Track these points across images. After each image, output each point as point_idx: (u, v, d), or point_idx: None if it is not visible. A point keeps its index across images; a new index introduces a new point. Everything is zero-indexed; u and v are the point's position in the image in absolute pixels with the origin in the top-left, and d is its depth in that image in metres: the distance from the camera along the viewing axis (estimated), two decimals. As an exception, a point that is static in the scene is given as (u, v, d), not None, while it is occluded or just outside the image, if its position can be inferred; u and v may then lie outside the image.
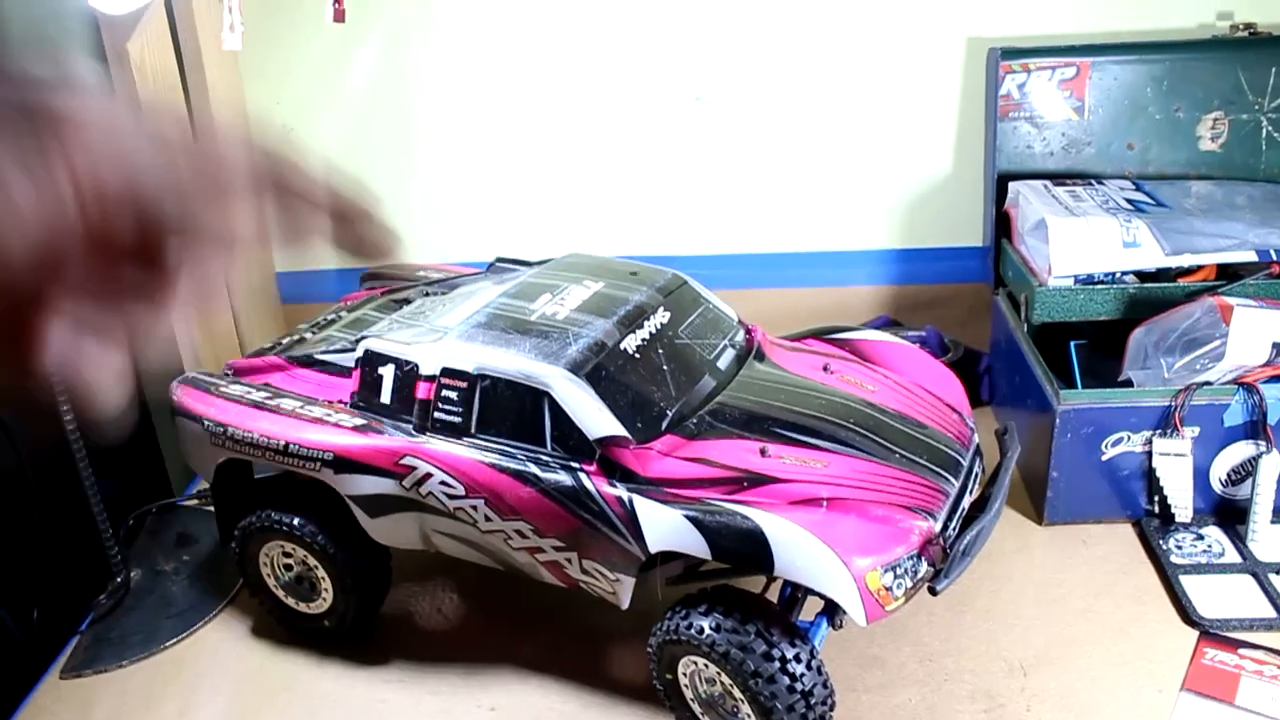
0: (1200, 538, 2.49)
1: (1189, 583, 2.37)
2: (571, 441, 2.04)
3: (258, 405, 2.31)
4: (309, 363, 2.42)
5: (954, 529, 2.02)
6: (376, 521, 2.24)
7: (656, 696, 2.11)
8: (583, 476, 2.02)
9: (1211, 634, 2.25)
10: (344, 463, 2.19)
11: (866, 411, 2.15)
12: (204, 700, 2.29)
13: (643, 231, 3.25)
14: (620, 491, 1.99)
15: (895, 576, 1.89)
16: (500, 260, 2.67)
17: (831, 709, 1.96)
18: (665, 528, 1.95)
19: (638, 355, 2.16)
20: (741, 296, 2.49)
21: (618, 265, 2.42)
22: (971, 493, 2.14)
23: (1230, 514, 2.51)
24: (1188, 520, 2.50)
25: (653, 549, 1.97)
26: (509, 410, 2.09)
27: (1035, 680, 2.19)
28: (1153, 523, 2.53)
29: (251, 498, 2.38)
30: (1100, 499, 2.53)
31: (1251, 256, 2.58)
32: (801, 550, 1.86)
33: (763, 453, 2.03)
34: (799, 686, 1.89)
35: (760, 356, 2.32)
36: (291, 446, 2.23)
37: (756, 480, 1.98)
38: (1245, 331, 2.37)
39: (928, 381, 2.33)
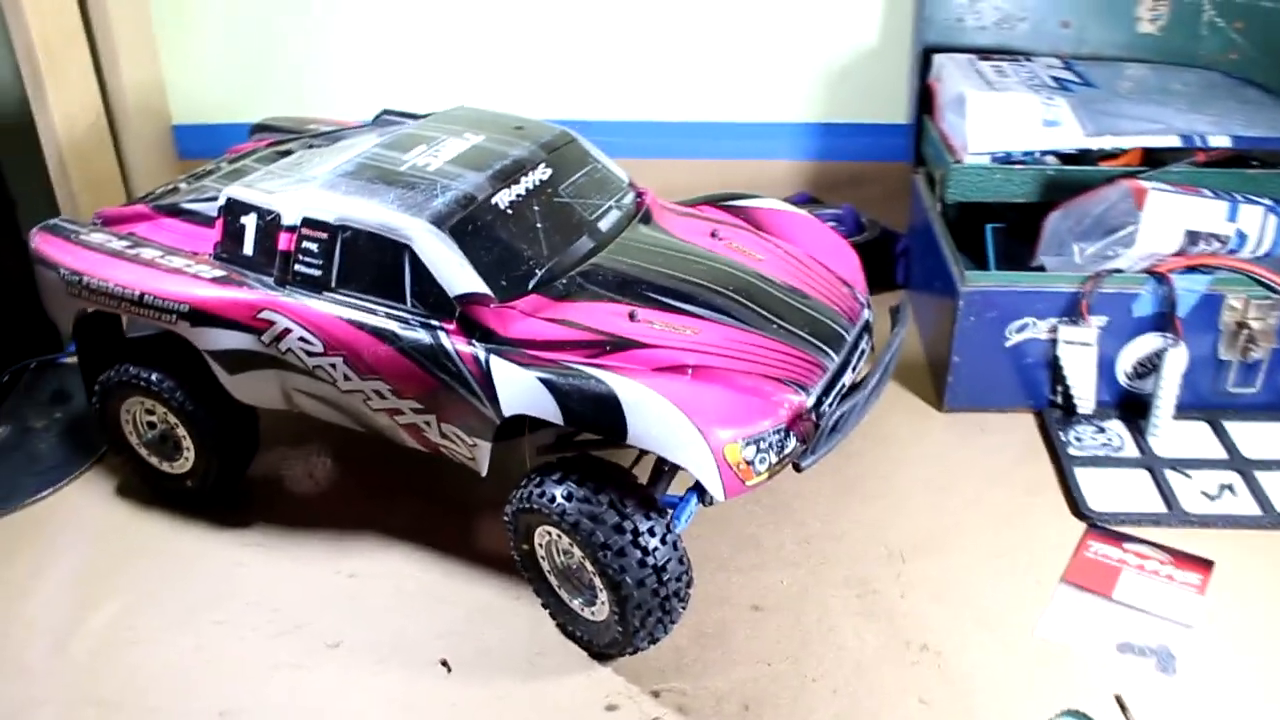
0: (1101, 430, 2.41)
1: (1084, 475, 2.29)
2: (431, 298, 1.93)
3: (116, 254, 2.19)
4: (175, 212, 2.29)
5: (831, 405, 1.93)
6: (236, 378, 2.14)
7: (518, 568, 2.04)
8: (441, 335, 1.92)
9: (1099, 527, 2.18)
10: (201, 315, 2.08)
11: (748, 279, 2.05)
12: (57, 560, 2.20)
13: (553, 94, 3.09)
14: (477, 350, 1.89)
15: (758, 450, 1.80)
16: (387, 112, 2.54)
17: (688, 586, 1.88)
18: (519, 390, 1.86)
19: (510, 211, 2.04)
20: (654, 166, 2.37)
21: (504, 119, 2.28)
22: (856, 369, 2.04)
23: (1134, 408, 2.43)
24: (1090, 412, 2.42)
25: (506, 412, 1.88)
26: (370, 264, 1.98)
27: (913, 567, 2.12)
28: (1055, 414, 2.44)
29: (119, 353, 2.27)
30: (1003, 387, 2.44)
31: (1176, 142, 2.46)
32: (657, 418, 1.77)
33: (631, 317, 1.93)
34: (651, 561, 1.81)
35: (647, 219, 2.21)
36: (147, 297, 2.11)
37: (620, 344, 1.88)
38: (1158, 217, 2.27)
39: (823, 254, 2.22)
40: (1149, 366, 2.38)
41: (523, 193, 2.08)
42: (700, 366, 1.86)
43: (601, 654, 1.96)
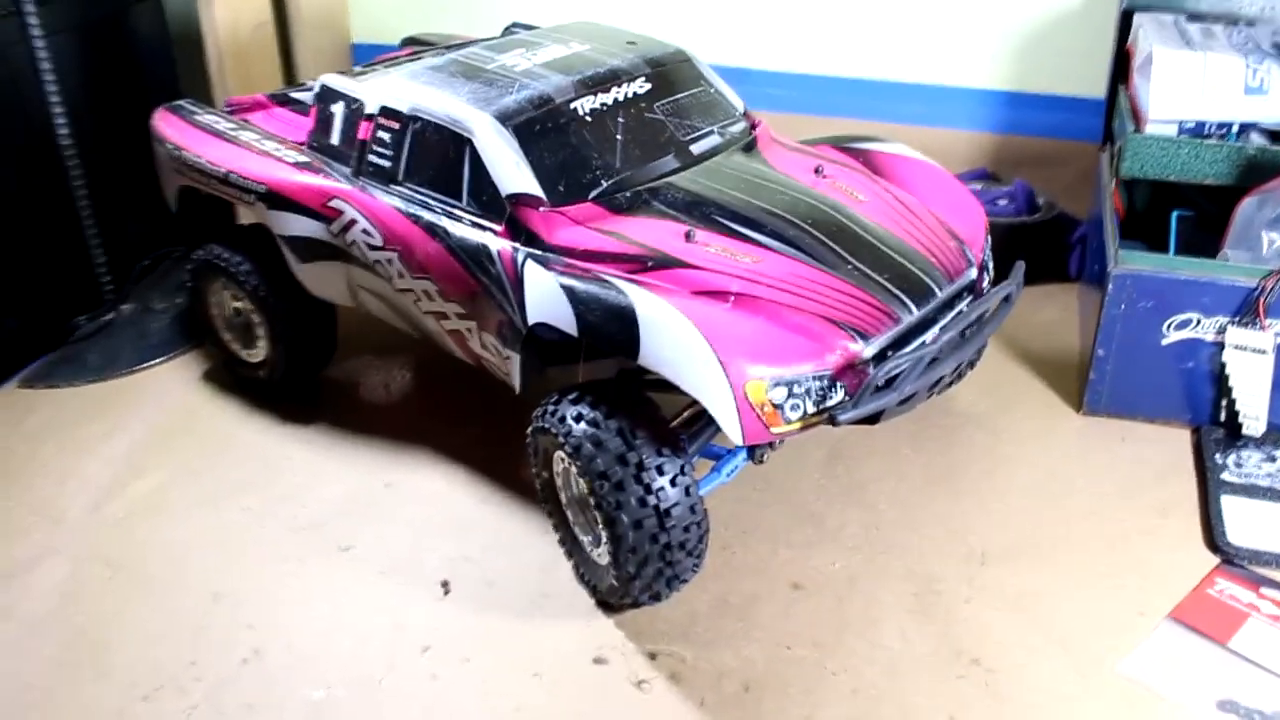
0: (1272, 459, 2.01)
1: (1231, 504, 1.91)
2: (486, 197, 1.81)
3: (217, 134, 2.19)
4: (286, 101, 2.28)
5: (902, 362, 1.65)
6: (306, 268, 2.09)
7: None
8: (489, 235, 1.80)
9: (1233, 564, 1.81)
10: (276, 198, 2.04)
11: (837, 217, 1.81)
12: (128, 427, 2.23)
13: (721, 40, 2.88)
14: (518, 254, 1.75)
15: (790, 394, 1.57)
16: (515, 25, 2.45)
17: (700, 540, 1.66)
18: (543, 295, 1.71)
19: (589, 118, 1.89)
20: (821, 125, 2.14)
21: (620, 34, 2.14)
22: (950, 330, 1.75)
23: (1320, 439, 2.02)
24: (1259, 434, 2.02)
25: (531, 319, 1.73)
26: (435, 157, 1.88)
27: (993, 572, 1.82)
28: (1215, 433, 2.06)
29: (213, 234, 2.27)
30: (1156, 393, 2.08)
31: None
32: (673, 338, 1.57)
33: (688, 236, 1.74)
34: (653, 501, 1.60)
35: (749, 149, 2.00)
36: (231, 175, 2.10)
37: (665, 262, 1.70)
38: (1363, 205, 1.87)
39: (942, 206, 1.95)
40: (1344, 390, 1.97)
41: (609, 102, 1.92)
42: (745, 295, 1.65)
43: (606, 603, 1.77)
